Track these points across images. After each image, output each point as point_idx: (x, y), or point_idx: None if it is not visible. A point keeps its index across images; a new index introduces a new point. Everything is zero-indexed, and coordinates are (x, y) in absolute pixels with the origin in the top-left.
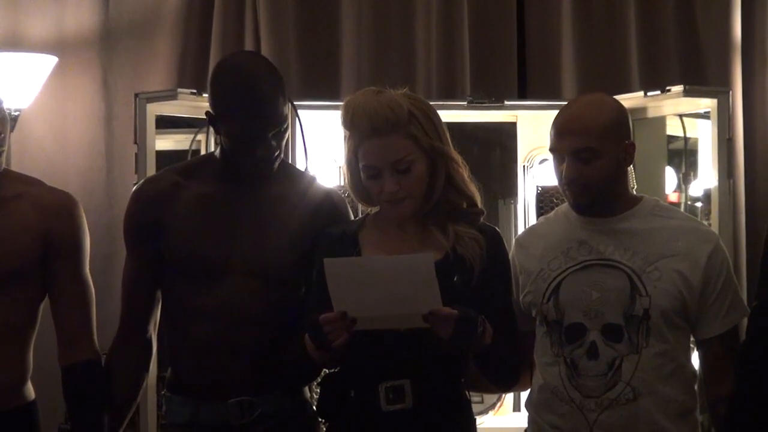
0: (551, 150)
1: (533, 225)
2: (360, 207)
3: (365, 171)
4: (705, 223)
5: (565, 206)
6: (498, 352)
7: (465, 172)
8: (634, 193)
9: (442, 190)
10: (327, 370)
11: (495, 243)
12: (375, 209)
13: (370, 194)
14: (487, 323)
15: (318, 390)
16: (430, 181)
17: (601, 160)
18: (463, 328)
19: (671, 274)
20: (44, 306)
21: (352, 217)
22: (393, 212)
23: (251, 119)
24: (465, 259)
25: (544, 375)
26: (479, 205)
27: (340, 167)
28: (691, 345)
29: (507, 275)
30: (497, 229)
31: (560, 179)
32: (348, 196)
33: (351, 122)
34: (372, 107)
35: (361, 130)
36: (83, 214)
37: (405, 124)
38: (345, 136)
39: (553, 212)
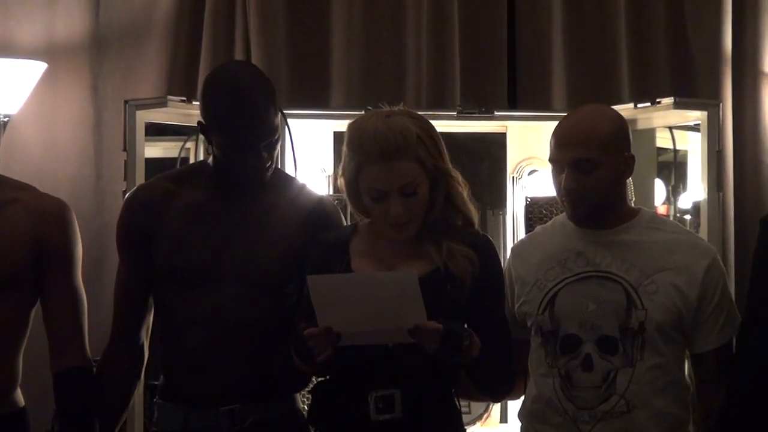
0: (550, 160)
1: (530, 234)
2: (350, 214)
3: (370, 193)
4: None
5: (562, 216)
6: (490, 363)
7: (464, 191)
8: (632, 205)
9: (441, 208)
10: (317, 379)
11: (488, 253)
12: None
13: (371, 212)
14: (474, 336)
15: (309, 397)
16: (430, 200)
17: (601, 172)
18: (449, 342)
19: (668, 288)
20: (35, 312)
21: (345, 224)
22: (395, 235)
23: (243, 131)
24: (456, 277)
25: (539, 386)
26: (475, 224)
27: (328, 176)
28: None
29: (500, 285)
30: (490, 238)
31: (559, 190)
32: (337, 203)
33: (359, 145)
34: (383, 132)
35: (368, 154)
36: (75, 221)
37: (414, 148)
38: (344, 156)
39: (550, 222)
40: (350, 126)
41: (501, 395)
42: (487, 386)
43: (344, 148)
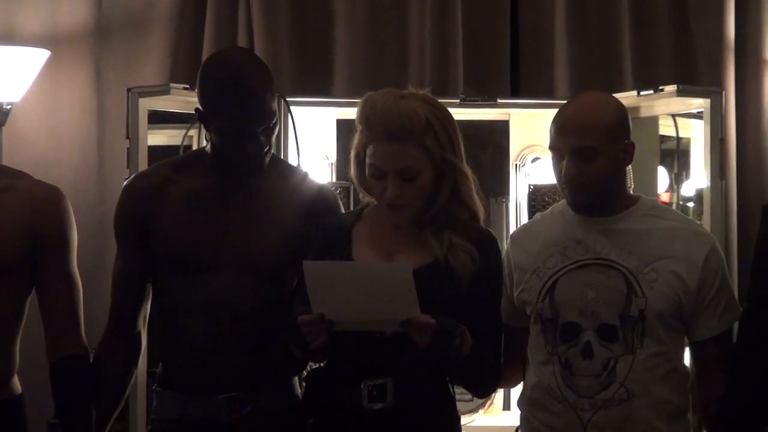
0: (551, 148)
1: (529, 222)
2: (352, 201)
3: (370, 169)
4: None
5: (561, 204)
6: (478, 362)
7: (473, 186)
8: (631, 193)
9: (446, 201)
10: (313, 365)
11: (489, 251)
12: (374, 201)
13: (371, 189)
14: (466, 333)
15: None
16: (434, 191)
17: (601, 160)
18: (441, 338)
19: (667, 276)
20: (32, 300)
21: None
22: (391, 217)
23: (240, 116)
24: (455, 272)
25: (538, 374)
26: (481, 220)
27: (332, 164)
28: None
29: (498, 284)
30: (493, 234)
31: (559, 177)
32: (340, 192)
33: (366, 120)
34: (390, 112)
35: (374, 131)
36: (70, 208)
37: (419, 134)
38: (357, 128)
39: (549, 210)
40: (364, 99)
41: (485, 393)
42: (472, 383)
43: (356, 120)
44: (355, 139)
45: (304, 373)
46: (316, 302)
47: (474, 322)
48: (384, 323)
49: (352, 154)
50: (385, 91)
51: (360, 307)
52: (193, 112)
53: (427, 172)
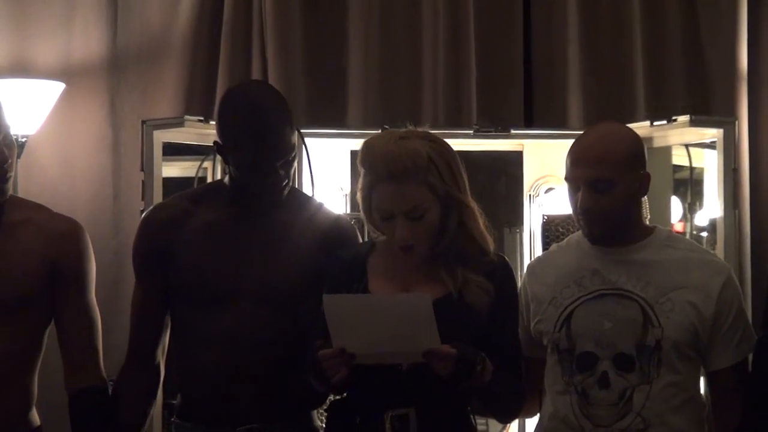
0: (566, 179)
1: (545, 252)
2: (367, 233)
3: (378, 212)
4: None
5: (577, 235)
6: (501, 388)
7: (480, 220)
8: (647, 223)
9: (454, 236)
10: (333, 397)
11: (504, 279)
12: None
13: (382, 230)
14: (487, 361)
15: (326, 416)
16: (441, 227)
17: (617, 191)
18: (462, 367)
19: (684, 306)
20: (50, 332)
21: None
22: (404, 258)
23: (259, 150)
24: (471, 307)
25: (555, 403)
26: (490, 253)
27: (346, 195)
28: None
29: (515, 311)
30: (507, 261)
31: (575, 208)
32: (354, 222)
33: (369, 164)
34: (392, 154)
35: (378, 173)
36: (89, 240)
37: (423, 172)
38: (361, 172)
39: (565, 240)
40: (363, 144)
41: (509, 418)
42: (496, 409)
43: (358, 165)
44: (360, 184)
45: (327, 403)
46: (337, 335)
47: (494, 349)
48: (405, 354)
49: (360, 198)
50: (383, 134)
51: (380, 339)
52: (208, 144)
53: (434, 210)
